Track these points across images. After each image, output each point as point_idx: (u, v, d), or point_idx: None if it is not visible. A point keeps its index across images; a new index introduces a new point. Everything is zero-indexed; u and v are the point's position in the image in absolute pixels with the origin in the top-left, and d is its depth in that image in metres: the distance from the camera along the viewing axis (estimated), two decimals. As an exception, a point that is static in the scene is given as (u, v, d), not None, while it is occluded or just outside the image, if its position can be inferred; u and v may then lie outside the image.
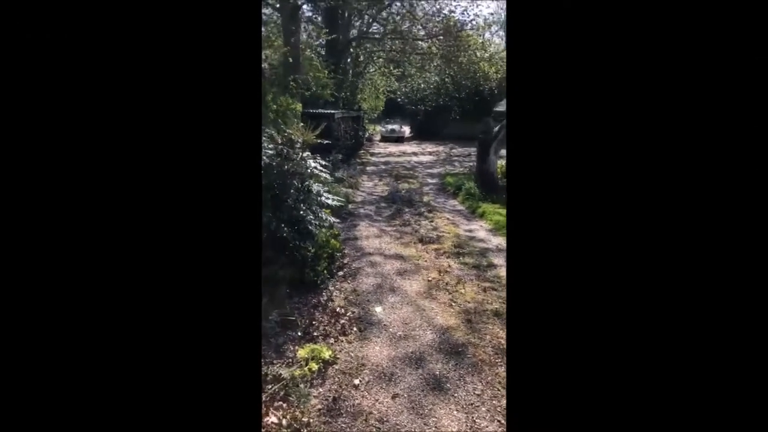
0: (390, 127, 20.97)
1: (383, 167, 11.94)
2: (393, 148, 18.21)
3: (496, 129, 7.84)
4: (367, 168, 11.59)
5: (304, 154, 3.29)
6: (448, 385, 2.43)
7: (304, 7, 12.16)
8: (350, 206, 6.77)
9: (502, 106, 20.96)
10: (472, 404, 2.27)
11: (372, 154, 14.81)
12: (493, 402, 2.29)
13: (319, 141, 3.26)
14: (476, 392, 2.37)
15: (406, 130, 21.03)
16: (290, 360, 2.59)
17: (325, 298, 3.51)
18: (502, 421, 2.14)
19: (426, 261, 4.46)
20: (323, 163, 3.43)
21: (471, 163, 11.74)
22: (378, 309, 3.34)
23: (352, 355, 2.71)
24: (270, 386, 2.32)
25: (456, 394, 2.35)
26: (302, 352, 2.60)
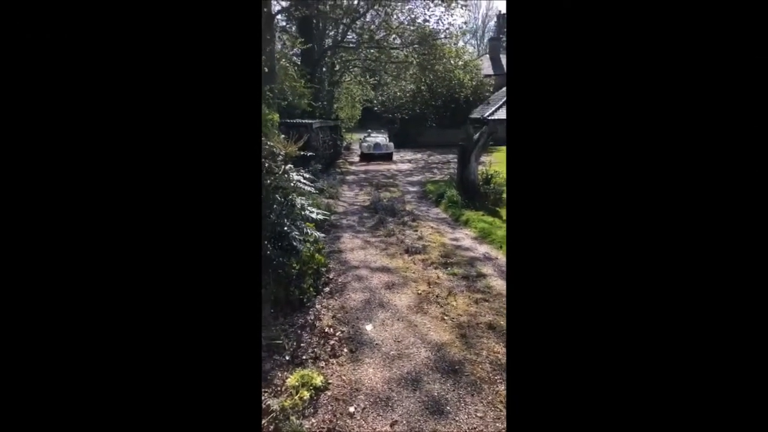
0: (373, 140, 15.93)
1: (363, 176, 11.83)
2: (368, 138, 16.20)
3: (476, 136, 7.85)
4: (347, 177, 11.46)
5: (287, 167, 3.14)
6: (449, 407, 2.30)
7: (278, 17, 12.01)
8: (332, 217, 6.61)
9: (477, 113, 21.28)
10: (475, 428, 2.15)
11: (351, 163, 14.68)
12: (497, 424, 2.18)
13: (302, 153, 3.12)
14: (478, 414, 2.25)
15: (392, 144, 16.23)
16: (279, 388, 2.42)
17: (312, 317, 3.34)
18: (508, 445, 2.03)
19: (414, 273, 4.35)
20: (307, 176, 3.29)
21: (450, 170, 11.76)
22: (368, 327, 3.20)
23: (345, 379, 2.55)
24: (258, 420, 2.14)
25: (457, 418, 2.22)
26: (292, 380, 2.43)
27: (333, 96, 18.02)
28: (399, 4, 14.39)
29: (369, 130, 18.43)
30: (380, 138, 16.45)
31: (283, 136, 3.16)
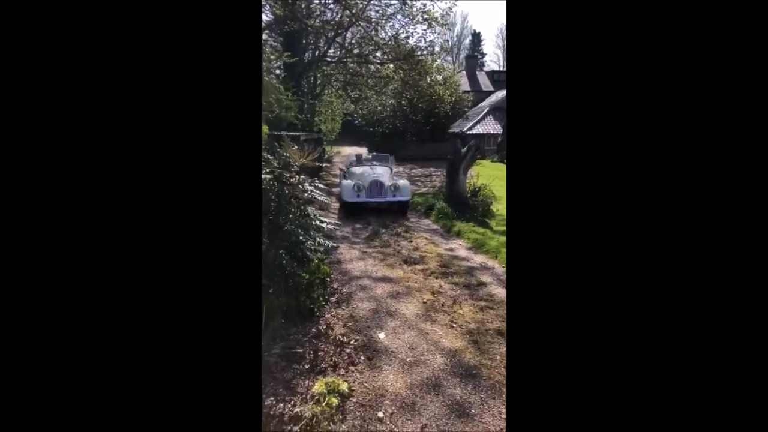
0: (368, 174, 7.95)
1: (348, 189, 11.84)
2: (355, 168, 8.69)
3: (464, 150, 8.07)
4: (333, 189, 11.48)
5: (301, 177, 3.19)
6: (473, 410, 2.37)
7: (265, 31, 12.07)
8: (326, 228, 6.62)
9: (456, 128, 21.78)
10: (502, 429, 2.22)
11: (334, 176, 14.71)
12: (522, 424, 2.26)
13: (318, 164, 3.19)
14: (502, 416, 2.33)
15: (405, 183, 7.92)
16: (304, 396, 2.43)
17: (324, 326, 3.36)
18: (536, 444, 2.11)
19: (416, 282, 4.42)
20: (321, 186, 3.34)
21: (433, 183, 11.98)
22: (381, 335, 3.24)
23: (368, 386, 2.58)
24: (289, 427, 2.15)
25: (483, 420, 2.29)
26: (317, 387, 2.44)
27: (314, 109, 18.11)
28: (382, 20, 14.72)
29: (362, 154, 10.81)
30: (378, 169, 8.22)
31: (295, 147, 3.20)
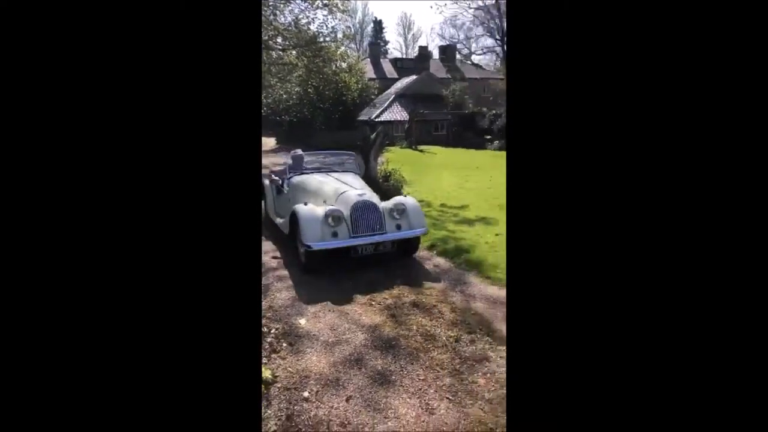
0: (333, 183, 4.79)
1: (258, 180, 11.42)
2: (302, 180, 5.21)
3: (373, 137, 8.25)
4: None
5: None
6: (394, 377, 2.53)
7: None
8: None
9: (364, 116, 22.01)
10: (420, 389, 2.42)
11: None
12: (437, 383, 2.48)
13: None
14: (420, 378, 2.52)
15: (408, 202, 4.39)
16: (226, 389, 2.38)
17: (242, 319, 3.28)
18: (451, 398, 2.33)
19: (333, 267, 4.48)
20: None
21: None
22: (302, 321, 3.27)
23: (291, 370, 2.61)
24: (213, 421, 2.11)
25: (403, 383, 2.47)
26: (239, 378, 2.41)
27: (214, 98, 16.98)
28: (280, 4, 14.20)
29: (299, 152, 5.93)
30: (350, 180, 4.96)
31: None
